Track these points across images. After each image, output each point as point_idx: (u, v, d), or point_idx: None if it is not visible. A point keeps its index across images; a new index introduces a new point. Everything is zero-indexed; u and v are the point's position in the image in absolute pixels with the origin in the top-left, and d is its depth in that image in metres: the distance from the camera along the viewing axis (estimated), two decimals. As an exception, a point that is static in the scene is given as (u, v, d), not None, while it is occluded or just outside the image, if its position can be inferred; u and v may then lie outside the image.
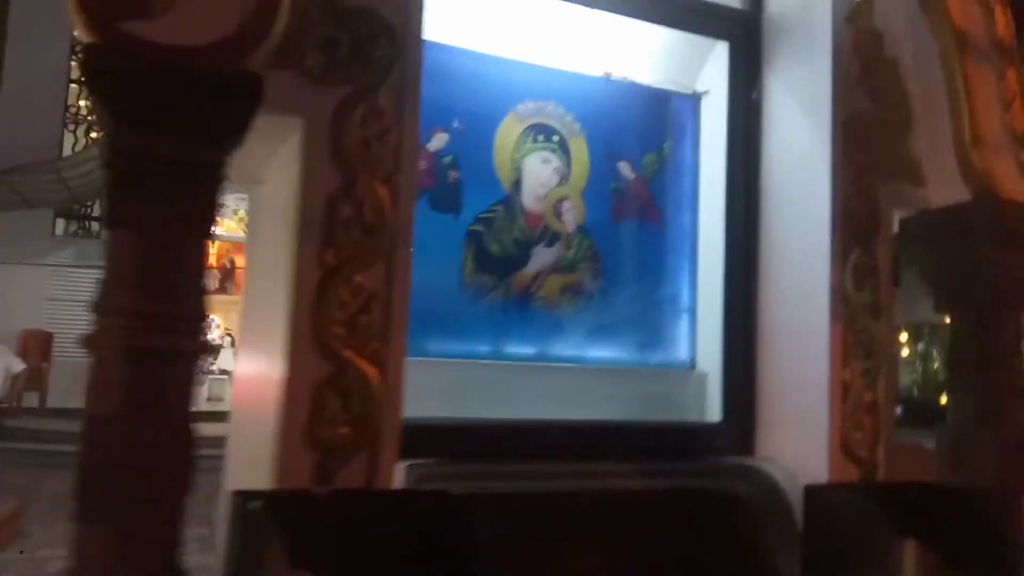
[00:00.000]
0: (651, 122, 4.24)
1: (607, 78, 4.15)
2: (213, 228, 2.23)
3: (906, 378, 17.03)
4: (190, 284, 2.11)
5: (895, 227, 3.75)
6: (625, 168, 4.16)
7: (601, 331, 4.03)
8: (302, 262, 2.59)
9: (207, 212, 2.16)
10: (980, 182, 3.43)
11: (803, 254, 3.63)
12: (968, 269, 3.52)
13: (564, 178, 4.02)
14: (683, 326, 4.18)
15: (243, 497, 2.34)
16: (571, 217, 4.01)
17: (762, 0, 3.99)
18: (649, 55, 4.26)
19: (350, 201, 2.67)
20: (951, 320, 3.64)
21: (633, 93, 4.20)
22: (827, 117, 3.55)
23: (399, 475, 2.78)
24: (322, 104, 2.66)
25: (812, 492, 3.30)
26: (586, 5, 3.89)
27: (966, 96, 3.44)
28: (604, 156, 4.11)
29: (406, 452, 2.91)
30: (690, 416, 4.02)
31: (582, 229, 4.03)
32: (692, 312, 4.17)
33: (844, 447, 3.42)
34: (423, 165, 3.67)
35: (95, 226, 18.39)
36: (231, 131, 2.12)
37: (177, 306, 2.06)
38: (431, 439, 3.12)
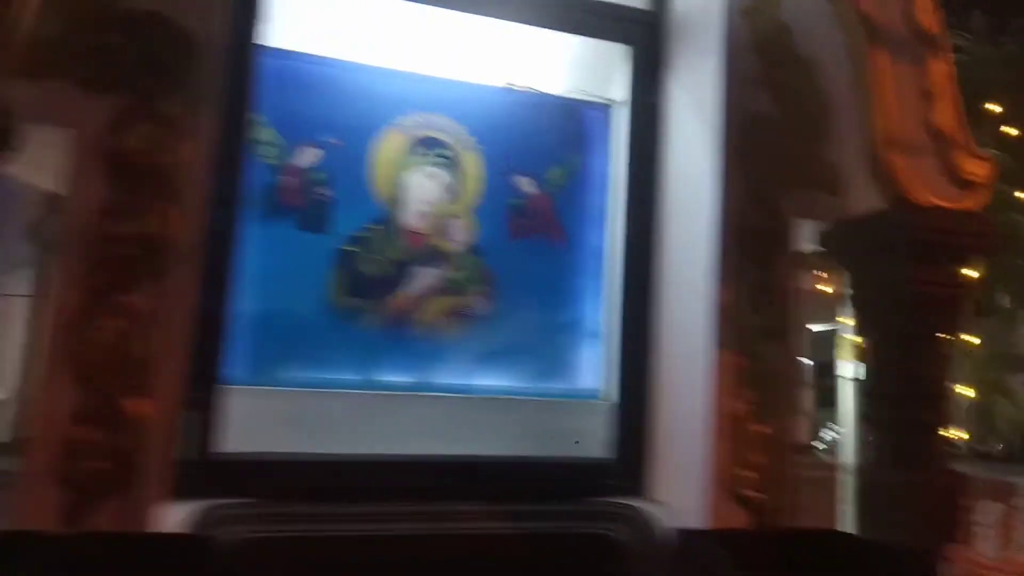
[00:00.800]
0: (558, 134, 3.94)
1: (509, 88, 3.88)
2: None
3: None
4: None
5: (815, 241, 3.37)
6: (526, 183, 3.87)
7: (493, 357, 3.72)
8: (63, 282, 2.40)
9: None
10: (895, 189, 3.02)
11: (694, 272, 3.27)
12: (885, 288, 3.11)
13: (454, 194, 3.75)
14: (589, 352, 3.84)
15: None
16: (460, 235, 3.74)
17: (666, 0, 3.67)
18: (558, 63, 3.98)
19: (125, 217, 2.47)
20: (867, 346, 3.21)
21: (538, 104, 3.92)
22: (719, 121, 3.20)
23: (190, 515, 2.54)
24: (95, 114, 2.48)
25: (686, 538, 2.93)
26: (478, 13, 3.65)
27: (876, 92, 3.05)
28: (502, 170, 3.83)
29: (228, 489, 2.69)
30: (594, 451, 3.67)
31: (473, 248, 3.75)
32: (600, 337, 3.83)
33: (728, 488, 3.03)
34: (290, 183, 3.48)
35: None
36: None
37: None
38: (255, 475, 2.88)
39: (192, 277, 2.49)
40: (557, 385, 3.80)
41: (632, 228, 3.60)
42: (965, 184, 3.04)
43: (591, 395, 3.78)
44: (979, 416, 5.32)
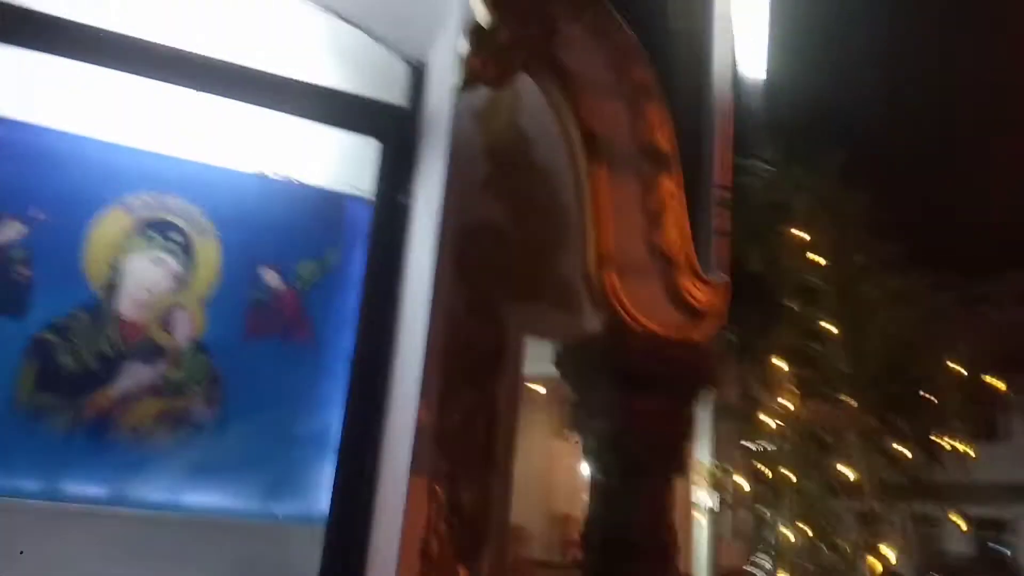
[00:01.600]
0: (314, 226, 3.68)
1: (261, 175, 3.61)
2: None
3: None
4: None
5: (553, 359, 3.11)
6: (272, 276, 3.57)
7: (210, 472, 3.33)
8: None
9: None
10: (611, 311, 2.80)
11: (407, 388, 2.98)
12: (604, 419, 2.85)
13: (183, 283, 3.42)
14: (328, 469, 3.47)
15: None
16: (185, 329, 3.40)
17: (421, 95, 3.49)
18: (321, 153, 3.74)
19: None
20: (591, 482, 2.93)
21: (294, 194, 3.66)
22: (440, 227, 2.97)
23: None
24: None
25: None
26: (221, 95, 3.41)
27: (596, 209, 2.86)
28: (244, 261, 3.53)
29: None
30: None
31: (199, 345, 3.41)
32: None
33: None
34: (-19, 259, 3.11)
35: None
36: None
37: None
38: None
39: None
40: (286, 507, 3.41)
41: (369, 334, 3.30)
42: (690, 310, 2.84)
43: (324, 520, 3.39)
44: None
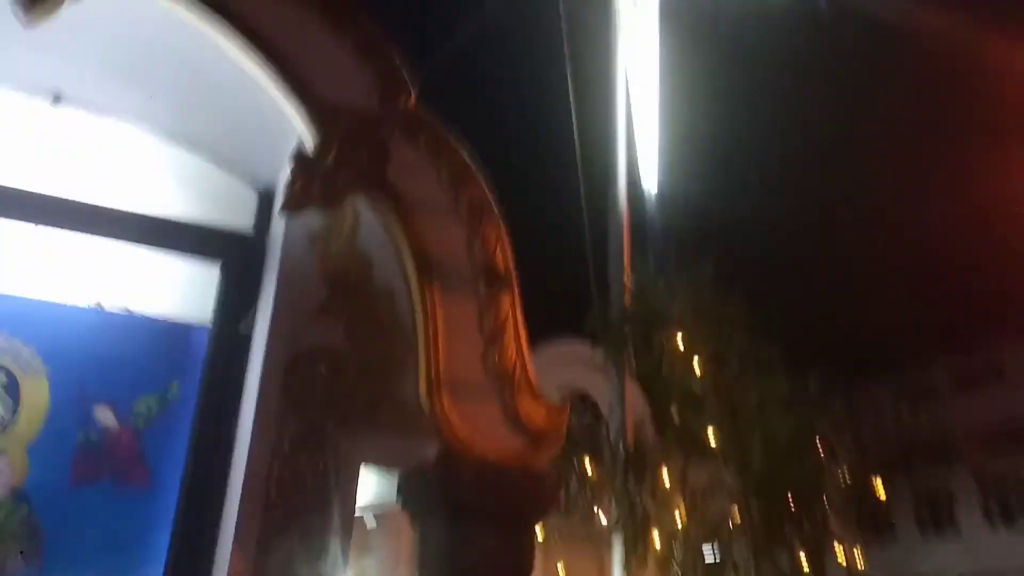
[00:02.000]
0: (155, 360, 3.49)
1: (98, 309, 3.45)
2: None
3: None
4: None
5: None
6: (106, 415, 3.34)
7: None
8: None
9: None
10: (443, 437, 2.67)
11: (228, 534, 2.76)
12: (440, 553, 2.67)
13: (4, 426, 3.18)
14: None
15: None
16: (3, 477, 3.13)
17: (268, 221, 3.41)
18: (168, 283, 3.60)
19: None
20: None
21: (135, 326, 3.49)
22: (265, 354, 2.83)
23: None
24: None
25: None
26: (49, 224, 3.29)
27: (426, 330, 2.78)
28: (76, 400, 3.31)
29: None
30: None
31: (18, 493, 3.13)
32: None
33: None
34: None
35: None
36: None
37: None
38: None
39: None
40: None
41: (196, 476, 3.09)
42: (528, 433, 2.73)
43: None
44: None
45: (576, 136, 5.97)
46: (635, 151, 6.59)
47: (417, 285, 2.79)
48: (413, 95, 3.05)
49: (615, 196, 6.20)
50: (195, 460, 3.12)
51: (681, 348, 4.77)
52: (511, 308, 2.87)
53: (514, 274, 2.96)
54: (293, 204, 2.62)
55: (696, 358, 4.75)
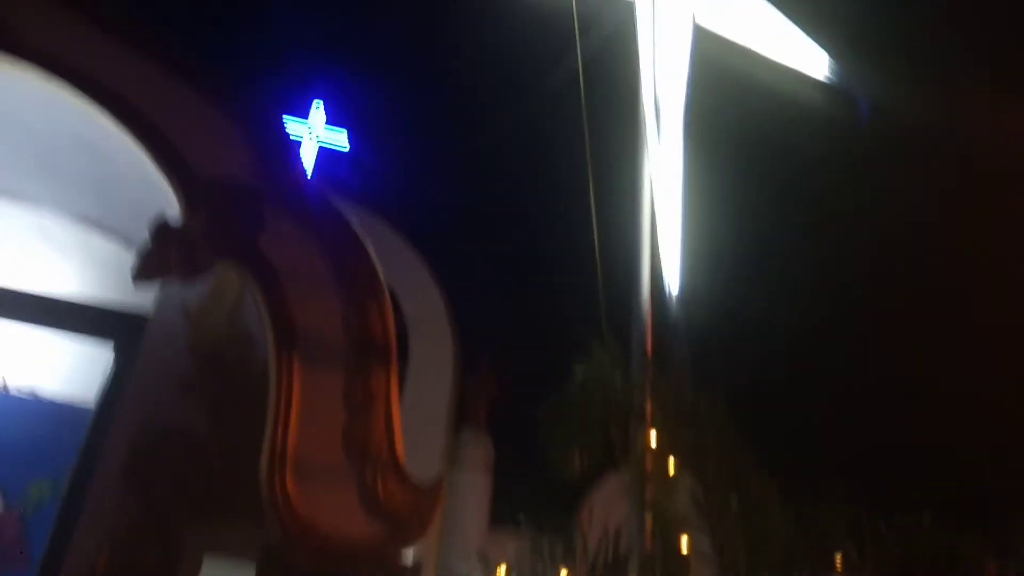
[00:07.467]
0: (54, 444, 3.37)
1: (3, 392, 3.39)
2: None
3: None
4: None
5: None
6: (-8, 502, 3.21)
7: None
8: None
9: None
10: (284, 521, 2.45)
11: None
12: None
13: None
14: None
15: None
16: None
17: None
18: (75, 366, 3.52)
19: None
20: None
21: (34, 409, 3.40)
22: (109, 439, 2.70)
23: None
24: None
25: None
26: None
27: (277, 404, 2.61)
28: (-41, 489, 3.19)
29: None
30: None
31: None
32: None
33: None
34: None
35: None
36: None
37: None
38: None
39: None
40: None
41: (50, 558, 2.89)
42: (387, 517, 2.50)
43: None
44: None
45: (596, 247, 5.79)
46: (659, 261, 6.29)
47: (274, 356, 2.64)
48: (301, 167, 3.00)
49: (639, 305, 5.92)
50: (49, 546, 2.93)
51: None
52: (385, 383, 2.69)
53: (394, 347, 2.79)
54: (144, 273, 2.53)
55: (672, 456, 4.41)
